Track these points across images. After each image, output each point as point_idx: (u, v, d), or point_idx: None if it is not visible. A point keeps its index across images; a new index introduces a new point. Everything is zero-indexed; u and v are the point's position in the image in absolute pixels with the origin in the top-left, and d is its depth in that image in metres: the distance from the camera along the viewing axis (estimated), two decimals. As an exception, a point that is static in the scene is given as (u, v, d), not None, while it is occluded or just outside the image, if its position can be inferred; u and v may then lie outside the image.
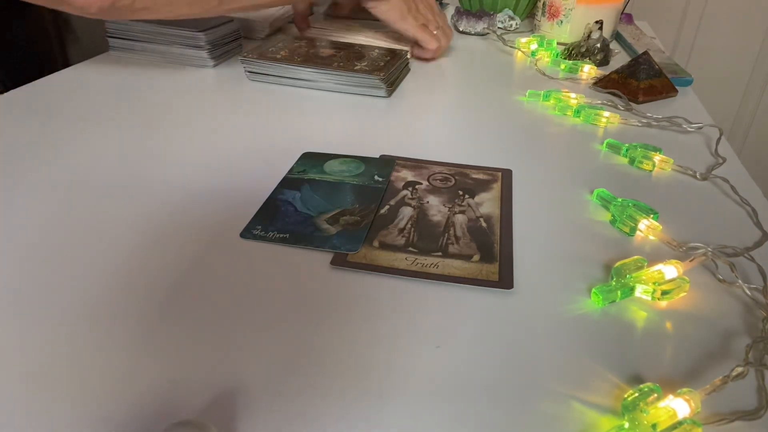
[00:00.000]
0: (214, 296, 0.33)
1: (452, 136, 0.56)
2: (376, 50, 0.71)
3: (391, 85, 0.66)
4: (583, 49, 0.79)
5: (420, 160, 0.50)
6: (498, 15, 0.95)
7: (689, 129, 0.59)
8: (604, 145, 0.55)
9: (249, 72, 0.67)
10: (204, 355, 0.29)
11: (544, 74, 0.75)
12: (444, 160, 0.50)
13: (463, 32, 0.93)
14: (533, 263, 0.37)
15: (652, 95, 0.67)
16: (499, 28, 0.95)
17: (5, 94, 0.59)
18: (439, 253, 0.38)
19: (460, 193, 0.45)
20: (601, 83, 0.70)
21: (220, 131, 0.54)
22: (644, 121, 0.60)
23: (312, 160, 0.49)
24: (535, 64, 0.78)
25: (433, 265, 0.36)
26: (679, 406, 0.26)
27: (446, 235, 0.40)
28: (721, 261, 0.38)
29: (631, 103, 0.65)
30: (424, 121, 0.59)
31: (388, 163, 0.49)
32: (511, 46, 0.86)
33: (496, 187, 0.46)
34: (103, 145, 0.50)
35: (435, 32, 0.77)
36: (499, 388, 0.28)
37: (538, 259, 0.38)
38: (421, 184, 0.46)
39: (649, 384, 0.28)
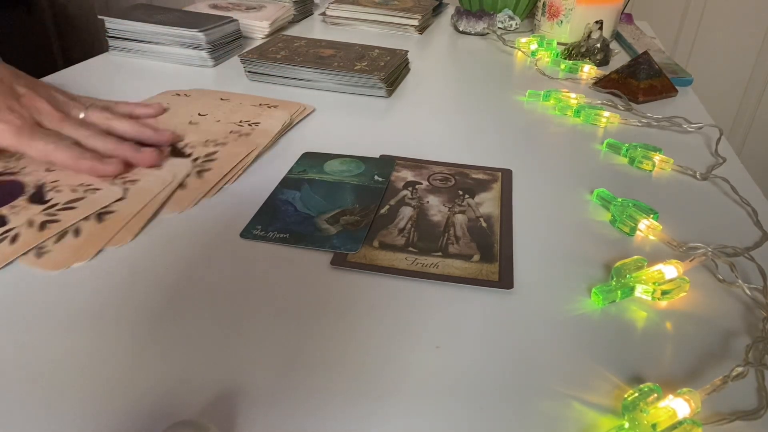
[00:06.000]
0: (214, 296, 0.33)
1: (452, 136, 0.56)
2: (376, 50, 0.71)
3: (391, 85, 0.66)
4: (583, 49, 0.79)
5: (420, 160, 0.50)
6: (498, 15, 0.95)
7: (689, 129, 0.59)
8: (604, 145, 0.55)
9: (249, 72, 0.67)
10: (204, 355, 0.29)
11: (544, 74, 0.75)
12: (444, 160, 0.50)
13: (463, 32, 0.93)
14: (533, 263, 0.37)
15: (652, 95, 0.67)
16: (499, 28, 0.95)
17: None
18: (439, 253, 0.38)
19: (460, 193, 0.45)
20: (601, 83, 0.70)
21: (220, 131, 0.54)
22: (644, 121, 0.60)
23: (312, 160, 0.49)
24: (535, 64, 0.78)
25: (433, 265, 0.36)
26: (679, 406, 0.26)
27: (446, 235, 0.40)
28: (721, 261, 0.38)
29: (631, 103, 0.65)
30: (424, 121, 0.59)
31: (388, 163, 0.49)
32: (511, 46, 0.86)
33: (496, 187, 0.46)
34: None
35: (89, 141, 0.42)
36: (499, 388, 0.28)
37: (538, 259, 0.38)
38: (421, 184, 0.46)
39: (649, 384, 0.28)
